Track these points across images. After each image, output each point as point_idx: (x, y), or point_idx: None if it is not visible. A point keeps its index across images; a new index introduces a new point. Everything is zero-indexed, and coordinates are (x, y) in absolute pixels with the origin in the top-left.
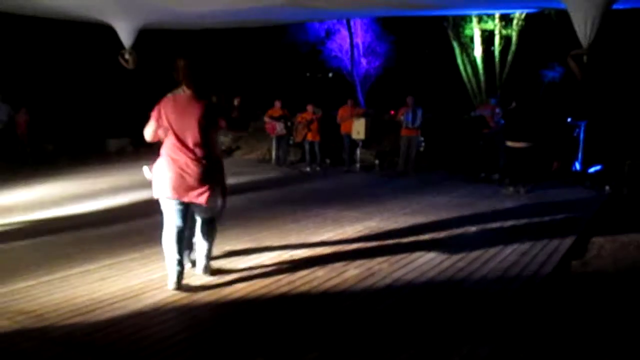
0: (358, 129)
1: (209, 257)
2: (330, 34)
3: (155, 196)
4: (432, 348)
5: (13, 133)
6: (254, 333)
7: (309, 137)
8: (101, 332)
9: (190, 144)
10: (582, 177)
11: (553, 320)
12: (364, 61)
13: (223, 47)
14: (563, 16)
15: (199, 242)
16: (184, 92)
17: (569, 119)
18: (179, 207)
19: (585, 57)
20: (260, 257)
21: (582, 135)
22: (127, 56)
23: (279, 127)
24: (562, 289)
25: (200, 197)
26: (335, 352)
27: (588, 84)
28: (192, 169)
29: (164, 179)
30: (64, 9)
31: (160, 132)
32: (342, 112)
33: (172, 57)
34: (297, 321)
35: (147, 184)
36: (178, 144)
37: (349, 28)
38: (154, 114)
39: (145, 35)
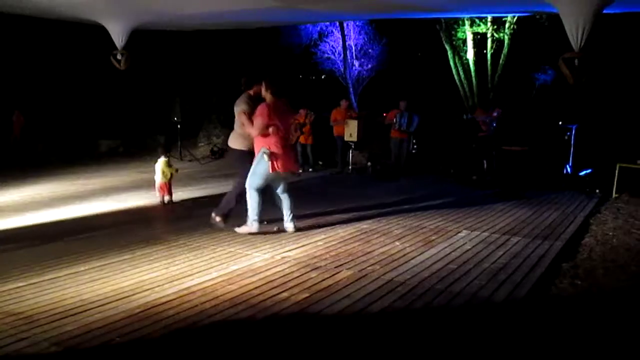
0: (351, 131)
1: (294, 210)
2: (323, 35)
3: (272, 171)
4: (424, 350)
5: (7, 135)
6: (249, 335)
7: (302, 140)
8: (91, 333)
9: (288, 135)
10: (573, 180)
11: (542, 322)
12: (356, 63)
13: (215, 49)
14: (555, 20)
15: (286, 200)
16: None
17: (560, 123)
18: (279, 176)
19: (576, 61)
20: (252, 258)
21: (573, 139)
22: (119, 57)
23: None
24: (552, 291)
25: (293, 168)
26: (328, 353)
27: (579, 87)
28: (290, 151)
29: (279, 159)
30: (56, 9)
31: (270, 129)
32: (335, 115)
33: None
34: (290, 323)
35: (138, 185)
36: (283, 135)
37: (342, 30)
38: (264, 115)
39: (138, 36)
